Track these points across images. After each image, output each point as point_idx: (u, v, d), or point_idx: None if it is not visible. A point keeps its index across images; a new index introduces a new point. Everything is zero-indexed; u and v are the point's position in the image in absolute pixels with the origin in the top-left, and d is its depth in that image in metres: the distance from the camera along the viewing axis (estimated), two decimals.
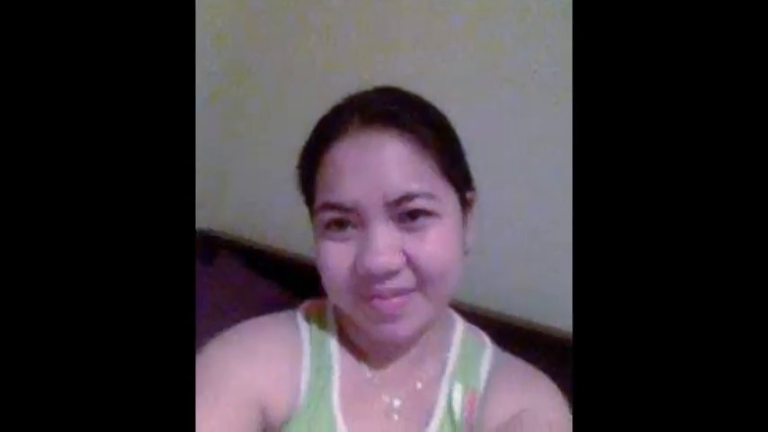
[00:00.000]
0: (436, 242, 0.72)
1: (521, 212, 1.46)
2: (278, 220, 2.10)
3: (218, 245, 2.19)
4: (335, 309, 0.88)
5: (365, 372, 0.84)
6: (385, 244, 0.70)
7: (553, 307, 1.34)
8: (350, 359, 0.85)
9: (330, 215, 0.73)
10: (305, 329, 0.86)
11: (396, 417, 0.82)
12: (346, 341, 0.86)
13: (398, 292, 0.72)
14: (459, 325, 0.91)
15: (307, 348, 0.84)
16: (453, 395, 0.82)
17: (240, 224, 2.30)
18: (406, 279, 0.72)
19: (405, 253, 0.71)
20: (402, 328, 0.75)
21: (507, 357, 0.90)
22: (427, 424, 0.81)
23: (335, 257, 0.74)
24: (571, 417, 0.79)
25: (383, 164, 0.70)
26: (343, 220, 0.73)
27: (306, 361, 0.83)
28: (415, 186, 0.71)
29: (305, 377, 0.81)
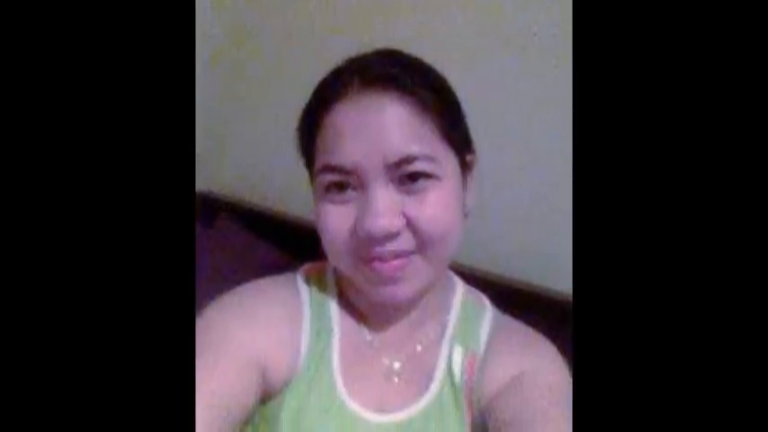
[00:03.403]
0: (436, 204, 0.72)
1: (521, 175, 1.45)
2: (278, 183, 2.09)
3: (217, 207, 2.18)
4: (335, 271, 0.88)
5: (365, 334, 0.85)
6: (385, 206, 0.70)
7: (553, 269, 1.34)
8: (350, 322, 0.85)
9: (330, 177, 0.73)
10: (305, 292, 0.87)
11: (396, 379, 0.83)
12: (346, 304, 0.86)
13: (398, 255, 0.72)
14: (460, 287, 0.92)
15: (307, 311, 0.84)
16: (453, 358, 0.83)
17: (240, 186, 2.29)
18: (406, 241, 0.72)
19: (405, 215, 0.71)
20: (402, 291, 0.75)
21: (507, 320, 0.91)
22: (427, 386, 0.81)
23: (335, 220, 0.74)
24: (571, 379, 0.79)
25: (383, 126, 0.70)
26: (343, 182, 0.73)
27: (306, 323, 0.83)
28: (415, 149, 0.70)
29: (305, 339, 0.82)
